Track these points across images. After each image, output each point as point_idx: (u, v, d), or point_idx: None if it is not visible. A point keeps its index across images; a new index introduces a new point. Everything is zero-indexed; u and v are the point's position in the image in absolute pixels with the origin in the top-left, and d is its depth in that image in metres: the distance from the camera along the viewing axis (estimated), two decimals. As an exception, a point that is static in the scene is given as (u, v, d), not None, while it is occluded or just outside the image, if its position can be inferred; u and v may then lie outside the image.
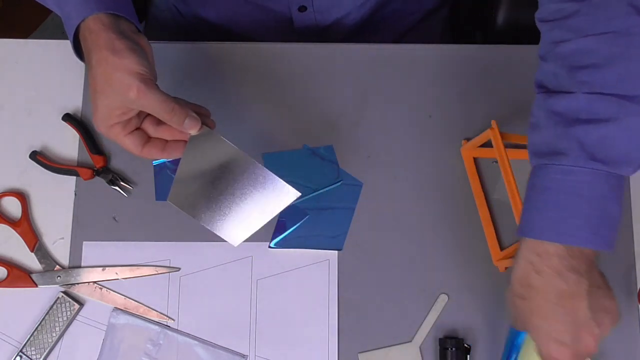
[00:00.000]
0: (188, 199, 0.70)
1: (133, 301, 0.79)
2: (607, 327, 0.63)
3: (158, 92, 0.64)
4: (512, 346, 0.73)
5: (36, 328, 0.77)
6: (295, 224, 0.81)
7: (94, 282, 0.79)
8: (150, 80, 0.64)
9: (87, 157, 0.82)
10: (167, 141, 0.68)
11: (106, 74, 0.64)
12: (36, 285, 0.79)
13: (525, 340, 0.76)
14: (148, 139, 0.68)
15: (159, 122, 0.67)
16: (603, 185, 0.61)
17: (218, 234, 0.70)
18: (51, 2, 0.71)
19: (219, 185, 0.69)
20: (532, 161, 0.66)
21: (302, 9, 0.90)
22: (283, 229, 0.81)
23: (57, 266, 0.80)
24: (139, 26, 0.69)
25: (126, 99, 0.63)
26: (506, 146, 0.72)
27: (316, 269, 0.80)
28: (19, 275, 0.79)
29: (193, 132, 0.66)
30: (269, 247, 0.80)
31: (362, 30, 0.97)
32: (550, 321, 0.62)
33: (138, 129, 0.67)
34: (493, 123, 0.73)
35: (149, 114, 0.67)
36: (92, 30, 0.65)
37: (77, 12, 0.66)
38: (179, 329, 0.78)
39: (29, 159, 0.82)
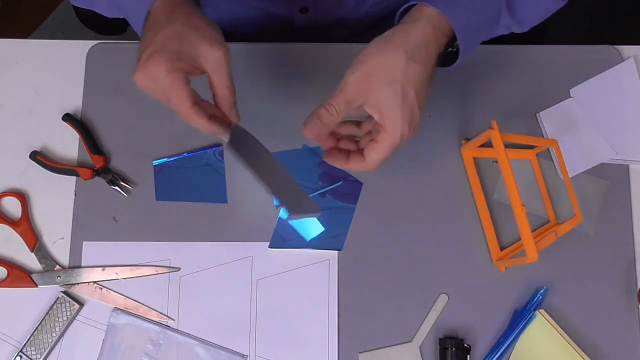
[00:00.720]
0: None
1: (133, 301, 0.79)
2: None
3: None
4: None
5: (36, 328, 0.77)
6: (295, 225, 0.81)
7: (94, 282, 0.79)
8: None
9: (87, 157, 0.82)
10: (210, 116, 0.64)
11: (193, 22, 0.61)
12: (36, 285, 0.79)
13: (518, 342, 0.77)
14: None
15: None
16: None
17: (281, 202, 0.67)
18: (105, 5, 0.70)
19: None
20: None
21: (304, 10, 0.90)
22: (283, 229, 0.81)
23: (57, 266, 0.80)
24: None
25: (207, 51, 0.61)
26: (506, 146, 0.72)
27: (316, 269, 0.80)
28: (19, 275, 0.79)
29: (235, 120, 0.65)
30: (269, 247, 0.80)
31: (363, 30, 0.97)
32: (427, 89, 0.64)
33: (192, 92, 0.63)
34: (493, 123, 0.73)
35: None
36: (167, 2, 0.63)
37: (143, 3, 0.64)
38: (179, 329, 0.78)
39: (29, 159, 0.82)
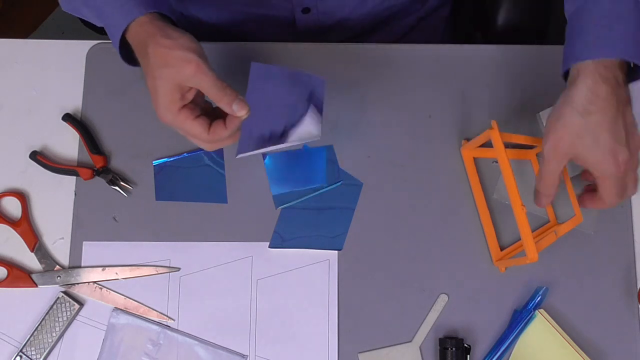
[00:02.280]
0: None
1: (133, 301, 0.79)
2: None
3: (212, 70, 0.65)
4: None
5: (36, 328, 0.77)
6: (295, 224, 0.81)
7: (94, 282, 0.79)
8: (206, 57, 0.66)
9: (87, 157, 0.82)
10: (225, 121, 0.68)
11: (163, 55, 0.65)
12: (36, 285, 0.79)
13: (518, 342, 0.77)
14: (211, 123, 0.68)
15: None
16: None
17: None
18: (91, 14, 0.73)
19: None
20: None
21: (306, 10, 0.90)
22: (283, 229, 0.81)
23: (57, 266, 0.80)
24: (174, 20, 0.71)
25: (183, 75, 0.64)
26: (506, 146, 0.72)
27: (316, 269, 0.80)
28: (19, 275, 0.79)
29: (241, 114, 0.66)
30: (269, 247, 0.80)
31: (363, 31, 0.97)
32: (617, 123, 0.67)
33: (202, 115, 0.68)
34: (493, 123, 0.73)
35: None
36: (142, 23, 0.67)
37: (123, 17, 0.68)
38: (179, 329, 0.78)
39: (29, 159, 0.82)
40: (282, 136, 0.74)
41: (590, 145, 0.67)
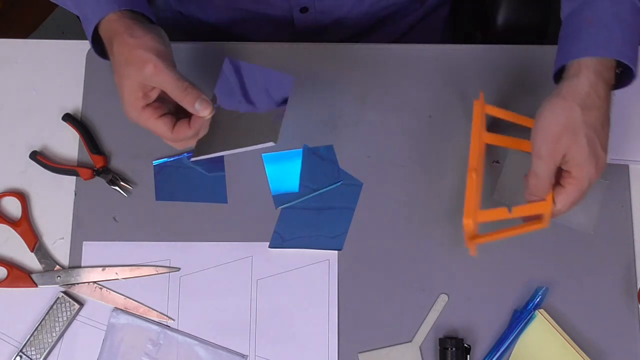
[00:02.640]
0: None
1: (133, 301, 0.79)
2: None
3: (174, 70, 0.66)
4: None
5: (36, 328, 0.77)
6: (295, 224, 0.81)
7: (94, 282, 0.79)
8: (166, 57, 0.66)
9: (87, 157, 0.82)
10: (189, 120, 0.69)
11: (125, 54, 0.66)
12: (36, 285, 0.79)
13: (518, 342, 0.77)
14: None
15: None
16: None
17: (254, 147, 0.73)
18: (71, 4, 0.73)
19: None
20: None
21: (304, 10, 0.90)
22: (283, 229, 0.81)
23: (57, 266, 0.80)
24: (153, 19, 0.71)
25: (143, 75, 0.65)
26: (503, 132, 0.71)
27: (316, 269, 0.80)
28: (19, 275, 0.79)
29: (204, 114, 0.67)
30: (269, 247, 0.80)
31: (362, 30, 0.97)
32: (607, 128, 0.68)
33: (168, 114, 0.69)
34: (481, 94, 0.71)
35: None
36: (111, 21, 0.68)
37: (94, 13, 0.69)
38: (179, 329, 0.78)
39: (29, 159, 0.82)
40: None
41: (582, 144, 0.66)
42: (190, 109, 0.67)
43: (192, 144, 0.71)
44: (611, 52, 0.68)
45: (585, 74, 0.67)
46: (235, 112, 0.75)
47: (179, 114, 0.69)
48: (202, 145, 0.73)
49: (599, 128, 0.67)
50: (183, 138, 0.69)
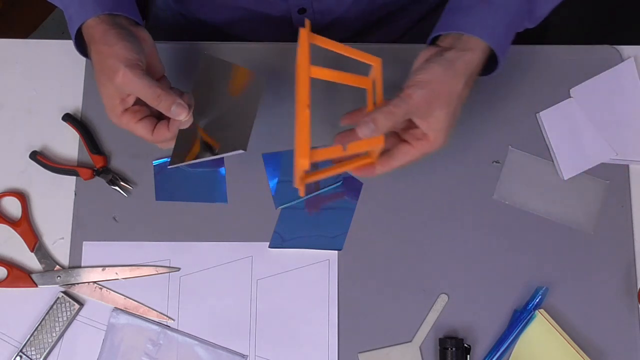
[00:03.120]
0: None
1: (133, 301, 0.79)
2: None
3: (144, 77, 0.66)
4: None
5: (36, 328, 0.77)
6: (295, 224, 0.81)
7: (94, 282, 0.79)
8: (137, 65, 0.66)
9: (87, 157, 0.82)
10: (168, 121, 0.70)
11: (100, 64, 0.67)
12: (36, 285, 0.79)
13: (518, 342, 0.77)
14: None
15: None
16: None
17: (225, 154, 0.73)
18: (60, 4, 0.74)
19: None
20: None
21: (302, 11, 0.90)
22: (283, 229, 0.81)
23: (57, 266, 0.80)
24: (139, 20, 0.72)
25: (115, 84, 0.66)
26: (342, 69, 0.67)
27: (316, 269, 0.80)
28: (19, 275, 0.79)
29: (181, 118, 0.68)
30: (269, 247, 0.80)
31: (362, 30, 0.97)
32: (457, 114, 0.71)
33: (149, 116, 0.70)
34: (306, 22, 0.66)
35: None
36: (90, 26, 0.69)
37: (78, 15, 0.70)
38: (179, 329, 0.78)
39: (29, 159, 0.82)
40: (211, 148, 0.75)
41: (450, 114, 0.69)
42: (167, 114, 0.68)
43: (172, 145, 0.73)
44: (495, 43, 0.70)
45: (478, 55, 0.69)
46: (208, 120, 0.75)
47: (161, 115, 0.70)
48: (179, 154, 0.73)
49: (460, 106, 0.70)
50: (163, 140, 0.71)
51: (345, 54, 0.69)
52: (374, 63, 0.70)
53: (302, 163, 0.61)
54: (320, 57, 0.68)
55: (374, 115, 0.65)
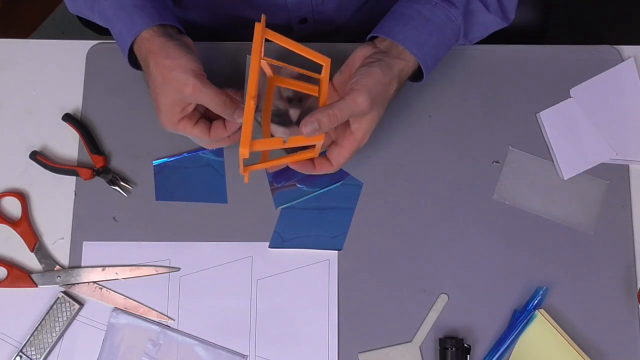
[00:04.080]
0: None
1: (133, 301, 0.79)
2: None
3: (211, 86, 0.69)
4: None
5: (36, 328, 0.77)
6: (295, 224, 0.81)
7: (94, 282, 0.79)
8: (203, 76, 0.70)
9: (87, 157, 0.82)
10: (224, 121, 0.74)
11: (163, 75, 0.69)
12: (36, 285, 0.79)
13: (518, 342, 0.77)
14: (211, 123, 0.74)
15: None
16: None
17: None
18: (102, 22, 0.77)
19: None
20: None
21: (303, 21, 0.90)
22: (283, 229, 0.81)
23: (57, 266, 0.80)
24: (181, 28, 0.75)
25: (183, 95, 0.69)
26: (292, 76, 0.75)
27: (316, 269, 0.80)
28: (19, 275, 0.79)
29: (241, 120, 0.71)
30: (269, 247, 0.80)
31: (362, 37, 0.97)
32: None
33: (201, 118, 0.74)
34: (262, 17, 0.68)
35: None
36: (145, 39, 0.72)
37: (129, 30, 0.72)
38: (179, 329, 0.78)
39: (29, 159, 0.83)
40: None
41: (378, 117, 0.73)
42: (229, 119, 0.72)
43: (226, 144, 0.76)
44: (423, 60, 0.75)
45: (410, 65, 0.74)
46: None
47: (207, 113, 0.74)
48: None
49: (386, 108, 0.75)
50: (220, 139, 0.74)
51: (297, 52, 0.72)
52: (324, 63, 0.73)
53: (242, 152, 0.65)
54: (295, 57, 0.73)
55: (319, 117, 0.68)
